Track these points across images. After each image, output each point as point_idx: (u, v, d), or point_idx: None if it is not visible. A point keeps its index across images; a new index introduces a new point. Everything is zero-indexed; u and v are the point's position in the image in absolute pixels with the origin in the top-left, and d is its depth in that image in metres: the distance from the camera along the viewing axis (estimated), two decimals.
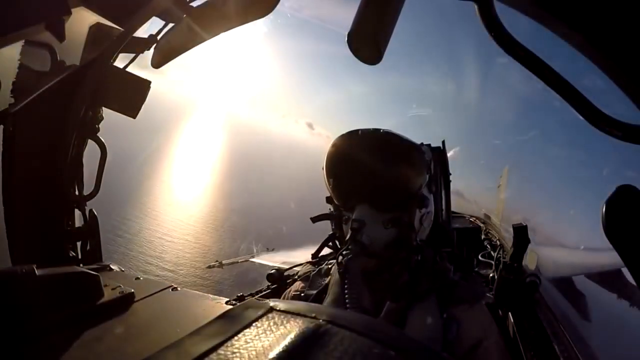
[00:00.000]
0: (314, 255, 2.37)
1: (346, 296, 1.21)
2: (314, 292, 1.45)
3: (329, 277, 1.49)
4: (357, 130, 1.37)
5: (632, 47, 0.55)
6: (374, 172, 1.28)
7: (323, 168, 1.43)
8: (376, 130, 1.34)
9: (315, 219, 1.51)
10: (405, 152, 1.35)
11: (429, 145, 2.55)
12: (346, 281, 1.23)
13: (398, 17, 0.60)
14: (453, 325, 1.20)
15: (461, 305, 1.27)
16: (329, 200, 1.49)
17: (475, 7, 0.61)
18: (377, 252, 1.26)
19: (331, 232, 1.55)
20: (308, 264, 2.14)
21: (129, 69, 1.41)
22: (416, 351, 0.45)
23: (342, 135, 1.39)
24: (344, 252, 1.23)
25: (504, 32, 0.61)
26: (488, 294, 1.50)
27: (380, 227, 1.27)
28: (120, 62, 1.39)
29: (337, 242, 1.57)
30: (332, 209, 1.49)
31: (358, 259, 1.21)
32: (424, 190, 1.37)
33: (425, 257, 1.39)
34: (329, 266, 1.57)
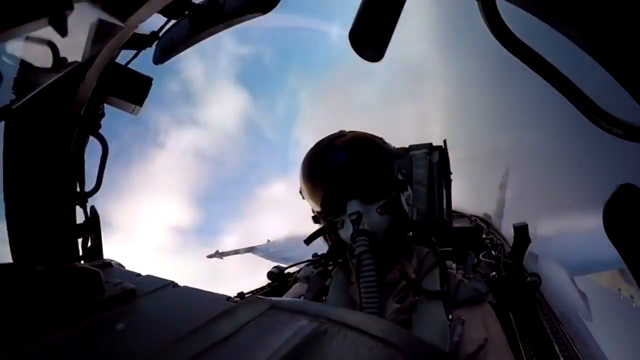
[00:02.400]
0: (315, 255, 2.38)
1: (362, 295, 1.19)
2: (313, 294, 1.46)
3: (329, 279, 1.49)
4: (322, 139, 1.40)
5: (635, 45, 0.54)
6: (352, 168, 1.31)
7: (300, 191, 1.44)
8: (341, 132, 1.40)
9: (308, 240, 1.48)
10: (373, 143, 1.40)
11: (430, 144, 2.55)
12: (361, 273, 1.20)
13: (400, 15, 0.60)
14: (459, 326, 1.19)
15: (466, 306, 1.27)
16: (315, 219, 1.48)
17: (478, 4, 0.61)
18: (380, 240, 1.27)
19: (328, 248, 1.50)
20: (308, 264, 2.15)
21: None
22: (421, 351, 0.45)
23: (309, 151, 1.41)
24: (354, 246, 1.21)
25: (506, 30, 0.61)
26: (490, 293, 1.51)
27: (375, 214, 1.29)
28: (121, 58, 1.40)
29: (338, 255, 1.50)
30: (321, 225, 1.47)
31: (369, 250, 1.20)
32: (399, 175, 1.42)
33: (427, 253, 1.41)
34: (330, 267, 1.56)
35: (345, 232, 1.31)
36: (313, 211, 1.47)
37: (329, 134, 1.42)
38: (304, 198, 1.45)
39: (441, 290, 1.27)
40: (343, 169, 1.31)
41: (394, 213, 1.33)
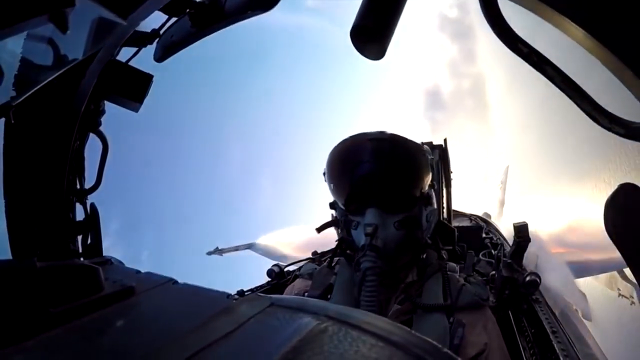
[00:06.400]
0: (315, 253, 2.38)
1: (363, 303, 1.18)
2: (318, 292, 1.44)
3: (333, 276, 1.48)
4: (361, 134, 1.36)
5: (636, 43, 0.54)
6: (382, 176, 1.29)
7: (324, 173, 1.43)
8: (382, 133, 1.34)
9: (320, 229, 1.49)
10: (412, 154, 1.36)
11: (430, 142, 2.56)
12: (363, 289, 1.19)
13: (402, 12, 0.60)
14: (459, 329, 1.19)
15: (467, 309, 1.27)
16: (332, 205, 1.48)
17: (480, 2, 0.61)
18: (391, 254, 1.26)
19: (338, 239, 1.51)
20: (309, 261, 2.15)
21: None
22: (422, 350, 0.45)
23: (345, 140, 1.38)
24: (361, 260, 1.20)
25: (508, 28, 0.61)
26: (490, 293, 1.51)
27: (392, 229, 1.27)
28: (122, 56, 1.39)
29: (346, 247, 1.50)
30: (335, 215, 1.48)
31: (376, 267, 1.19)
32: (429, 188, 1.39)
33: (430, 256, 1.41)
34: (333, 264, 1.55)
35: (357, 236, 1.31)
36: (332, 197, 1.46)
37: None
38: (326, 181, 1.44)
39: (442, 304, 1.26)
40: (370, 176, 1.30)
41: (411, 229, 1.31)
